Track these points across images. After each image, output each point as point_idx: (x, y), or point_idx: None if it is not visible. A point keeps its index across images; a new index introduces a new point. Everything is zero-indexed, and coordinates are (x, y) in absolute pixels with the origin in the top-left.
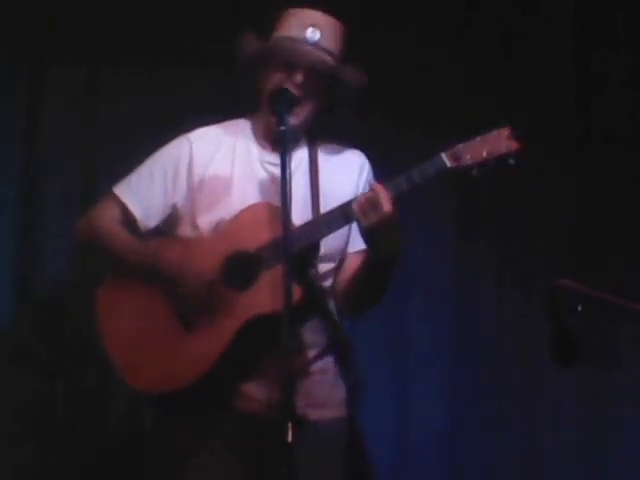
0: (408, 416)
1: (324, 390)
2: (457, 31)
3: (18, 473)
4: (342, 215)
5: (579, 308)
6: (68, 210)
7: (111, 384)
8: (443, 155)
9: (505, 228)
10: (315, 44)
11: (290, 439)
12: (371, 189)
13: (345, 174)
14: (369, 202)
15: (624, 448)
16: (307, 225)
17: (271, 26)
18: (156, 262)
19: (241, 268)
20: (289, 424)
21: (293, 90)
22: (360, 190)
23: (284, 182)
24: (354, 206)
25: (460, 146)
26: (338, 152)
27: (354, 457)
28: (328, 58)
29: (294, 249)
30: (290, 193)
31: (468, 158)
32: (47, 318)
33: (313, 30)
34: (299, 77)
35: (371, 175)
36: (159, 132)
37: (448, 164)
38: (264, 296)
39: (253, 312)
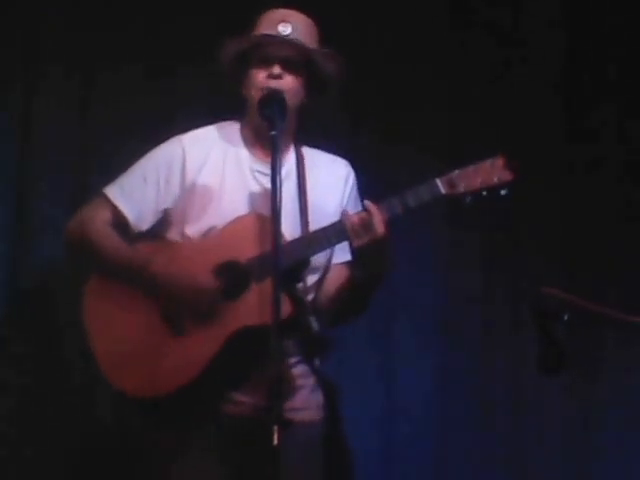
0: (393, 414)
1: (304, 394)
2: (446, 47)
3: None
4: (334, 234)
5: (565, 317)
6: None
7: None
8: (438, 181)
9: (493, 242)
10: (286, 37)
11: (276, 442)
12: (366, 210)
13: (331, 184)
14: (362, 223)
15: (608, 453)
16: (298, 241)
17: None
18: (147, 268)
19: (230, 278)
20: (275, 427)
21: (272, 84)
22: (345, 200)
23: (274, 191)
24: (347, 225)
25: (455, 173)
26: (324, 162)
27: (334, 457)
28: (300, 45)
29: (284, 264)
30: (280, 203)
31: (462, 187)
32: (37, 314)
33: (284, 25)
34: (276, 69)
35: (356, 185)
36: (154, 132)
37: (443, 191)
38: (253, 308)
39: (241, 323)
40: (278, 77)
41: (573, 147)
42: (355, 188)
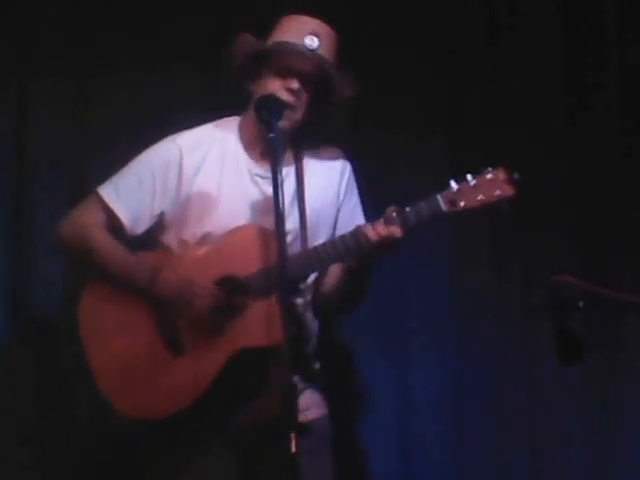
0: (410, 415)
1: (306, 395)
2: (444, 35)
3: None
4: (336, 255)
5: (580, 304)
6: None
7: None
8: (439, 197)
9: (504, 225)
10: (313, 51)
11: (294, 449)
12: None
13: (327, 181)
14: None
15: (627, 437)
16: (299, 258)
17: (268, 30)
18: (151, 283)
19: (231, 293)
20: (293, 435)
21: (287, 96)
22: (342, 195)
23: (276, 200)
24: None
25: (455, 189)
26: (321, 156)
27: (342, 448)
28: (325, 65)
29: (288, 278)
30: (283, 213)
31: (462, 205)
32: (38, 327)
33: (312, 37)
34: (295, 83)
35: (352, 176)
36: (154, 131)
37: (444, 208)
38: (255, 327)
39: (246, 343)
40: (297, 93)
41: (574, 147)
42: (352, 179)
